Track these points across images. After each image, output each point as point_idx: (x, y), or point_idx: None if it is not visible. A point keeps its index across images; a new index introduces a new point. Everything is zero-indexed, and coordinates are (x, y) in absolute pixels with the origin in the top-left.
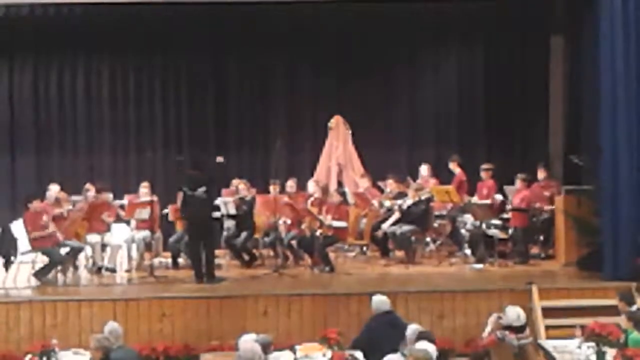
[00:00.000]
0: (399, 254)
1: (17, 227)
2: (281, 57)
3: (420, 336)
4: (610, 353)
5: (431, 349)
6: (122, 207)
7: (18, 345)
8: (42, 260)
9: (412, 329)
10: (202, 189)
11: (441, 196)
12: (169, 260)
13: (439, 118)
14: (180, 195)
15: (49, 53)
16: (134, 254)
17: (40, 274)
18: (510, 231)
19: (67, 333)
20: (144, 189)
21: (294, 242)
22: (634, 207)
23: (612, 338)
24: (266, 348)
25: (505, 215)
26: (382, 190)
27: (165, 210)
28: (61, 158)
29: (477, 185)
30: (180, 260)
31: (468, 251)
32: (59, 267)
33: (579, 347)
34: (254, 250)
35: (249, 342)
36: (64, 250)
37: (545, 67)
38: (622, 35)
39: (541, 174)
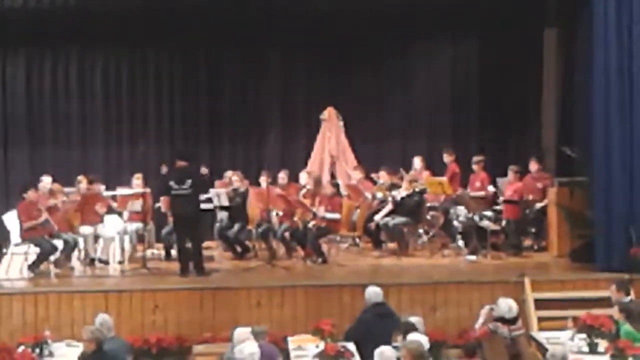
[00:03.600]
0: (392, 245)
1: (10, 219)
2: (274, 50)
3: (404, 328)
4: (602, 344)
5: (423, 340)
6: (114, 198)
7: (11, 337)
8: (34, 251)
9: (414, 320)
10: (188, 182)
11: (434, 188)
12: (162, 252)
13: (432, 110)
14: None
15: (43, 46)
16: (127, 245)
17: (33, 266)
18: (502, 223)
19: (60, 325)
20: (137, 180)
21: (287, 234)
22: (626, 198)
23: (604, 330)
24: (259, 338)
25: (497, 207)
26: (374, 182)
27: (158, 204)
28: (54, 150)
29: (469, 178)
30: (173, 252)
31: (461, 243)
32: (53, 260)
33: (572, 338)
34: (247, 242)
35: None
36: (57, 242)
37: (539, 60)
38: (615, 28)
39: (534, 166)
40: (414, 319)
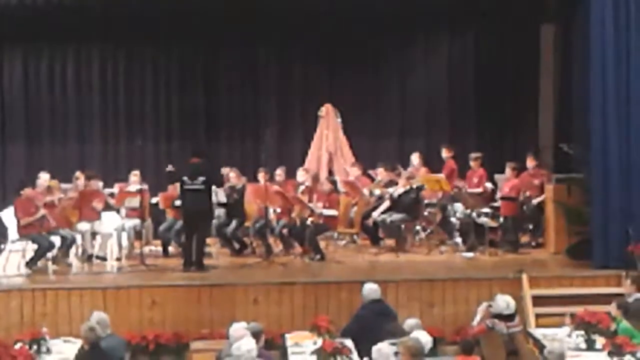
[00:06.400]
0: (389, 242)
1: (7, 215)
2: (271, 46)
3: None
4: (600, 341)
5: (425, 338)
6: (112, 195)
7: (8, 334)
8: (32, 248)
9: (409, 324)
10: (201, 179)
11: (432, 185)
12: (159, 249)
13: (429, 107)
14: (176, 186)
15: (39, 42)
16: (124, 242)
17: (31, 262)
18: (500, 220)
19: (57, 321)
20: (134, 177)
21: (284, 231)
22: (623, 195)
23: (601, 326)
24: (257, 336)
25: (495, 204)
26: (372, 179)
27: (155, 199)
28: (51, 147)
29: (467, 174)
30: (171, 248)
31: (458, 240)
32: (50, 257)
33: (569, 335)
34: (245, 239)
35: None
36: (55, 238)
37: (536, 56)
38: (612, 24)
39: (531, 163)
40: (412, 321)
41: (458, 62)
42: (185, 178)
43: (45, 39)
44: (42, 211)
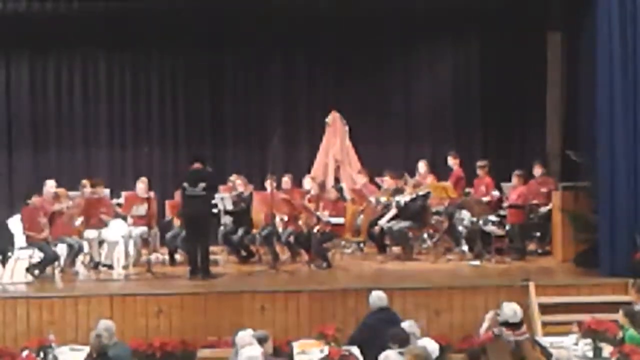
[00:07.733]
0: (396, 250)
1: (15, 223)
2: (277, 53)
3: (399, 338)
4: (607, 349)
5: (432, 346)
6: (119, 205)
7: (15, 341)
8: (39, 256)
9: (407, 325)
10: (202, 185)
11: (438, 192)
12: (166, 256)
13: (435, 114)
14: (180, 192)
15: (46, 49)
16: (131, 250)
17: (33, 269)
18: (507, 227)
19: (64, 329)
20: (141, 184)
21: (291, 239)
22: (630, 203)
23: (609, 334)
24: (263, 343)
25: (502, 212)
26: (379, 187)
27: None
28: (58, 154)
29: (474, 182)
30: (177, 256)
31: (465, 247)
32: (58, 266)
33: (576, 343)
34: (251, 246)
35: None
36: (62, 246)
37: (543, 63)
38: (619, 32)
39: (538, 170)
40: (406, 324)
41: (464, 69)
42: (185, 184)
43: (51, 46)
44: (46, 233)
